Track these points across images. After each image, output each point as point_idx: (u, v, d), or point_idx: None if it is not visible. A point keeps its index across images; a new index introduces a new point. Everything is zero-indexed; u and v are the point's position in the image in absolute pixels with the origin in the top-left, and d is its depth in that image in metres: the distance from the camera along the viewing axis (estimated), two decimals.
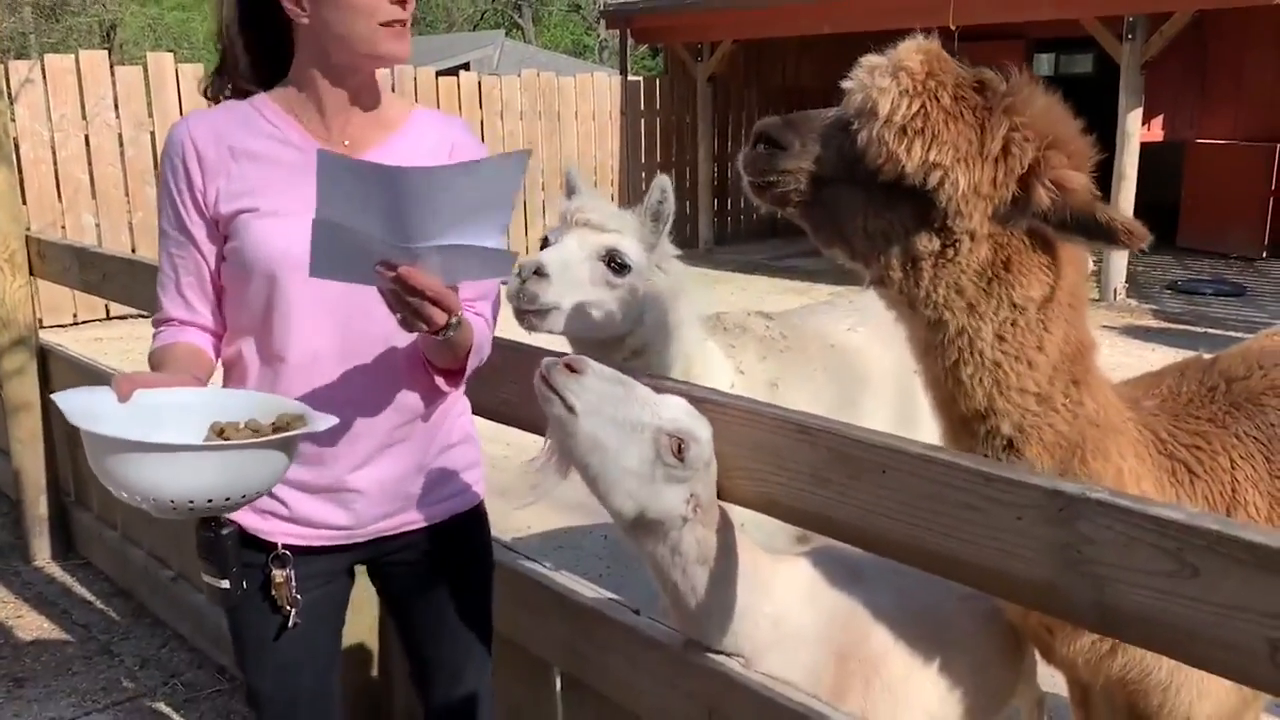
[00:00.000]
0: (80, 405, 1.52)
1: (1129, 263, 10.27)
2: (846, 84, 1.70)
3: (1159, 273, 11.34)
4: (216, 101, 1.90)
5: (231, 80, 1.89)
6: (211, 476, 1.47)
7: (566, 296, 2.35)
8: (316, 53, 1.78)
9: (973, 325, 1.67)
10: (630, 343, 2.48)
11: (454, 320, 1.65)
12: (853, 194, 1.68)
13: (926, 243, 1.65)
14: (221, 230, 1.80)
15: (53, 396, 1.55)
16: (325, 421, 1.59)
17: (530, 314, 2.35)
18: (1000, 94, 1.64)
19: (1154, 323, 9.32)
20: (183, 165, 1.79)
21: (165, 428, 1.53)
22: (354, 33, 1.72)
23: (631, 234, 2.46)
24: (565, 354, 1.68)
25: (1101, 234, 1.58)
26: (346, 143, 1.83)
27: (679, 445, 1.66)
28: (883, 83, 1.62)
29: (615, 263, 2.41)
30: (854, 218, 1.69)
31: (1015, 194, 1.61)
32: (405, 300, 1.59)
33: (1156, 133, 12.80)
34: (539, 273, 2.33)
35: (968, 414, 1.72)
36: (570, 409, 1.64)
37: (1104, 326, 9.02)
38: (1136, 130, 9.82)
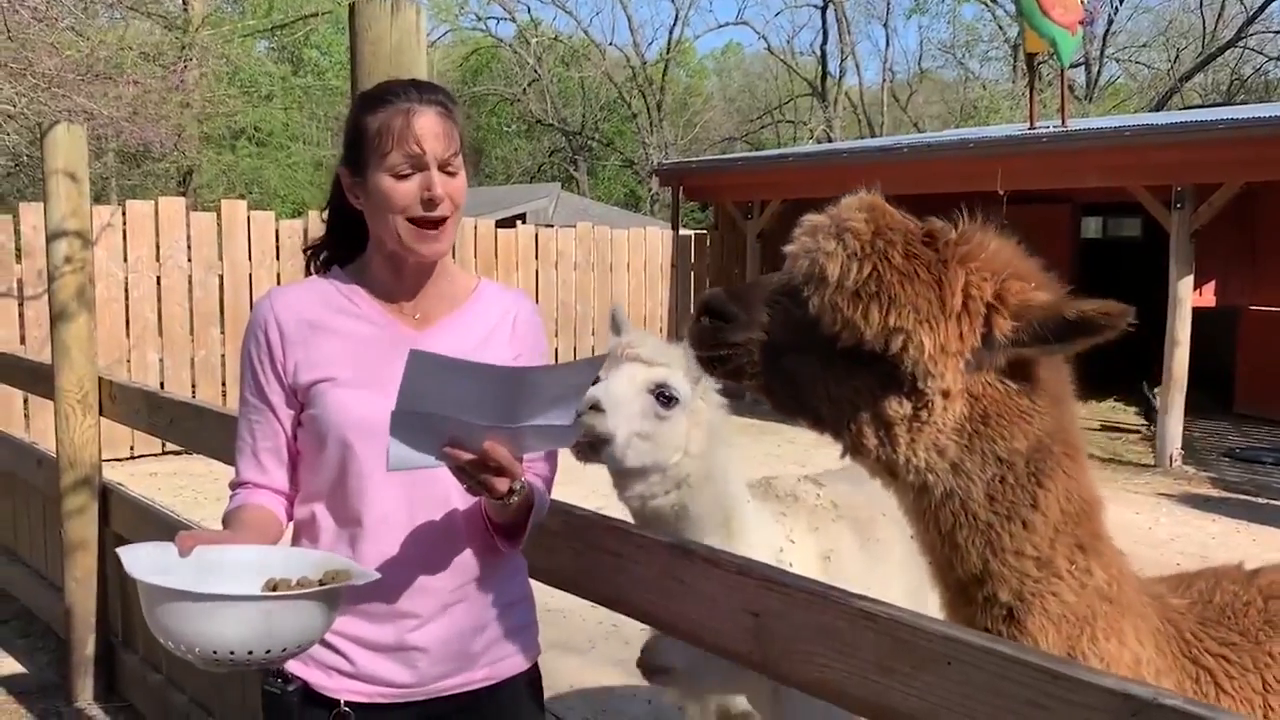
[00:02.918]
0: (141, 558, 1.58)
1: (1185, 429, 10.13)
2: (789, 248, 1.63)
3: (1216, 439, 11.15)
4: (306, 254, 2.04)
5: (327, 249, 2.03)
6: (250, 628, 1.50)
7: (620, 429, 2.44)
8: (375, 238, 1.90)
9: (961, 486, 1.57)
10: (672, 474, 2.55)
11: (517, 485, 1.70)
12: (810, 362, 1.59)
13: (897, 407, 1.55)
14: (299, 399, 1.88)
15: (117, 550, 1.60)
16: (365, 576, 1.63)
17: (585, 445, 2.41)
18: (952, 244, 1.56)
19: (1213, 491, 9.10)
20: (264, 337, 1.89)
21: (221, 582, 1.57)
22: (387, 228, 1.83)
23: (678, 367, 2.54)
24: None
25: (1079, 331, 1.49)
26: (417, 316, 1.93)
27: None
28: (828, 246, 1.56)
29: (664, 396, 2.50)
30: (815, 387, 1.59)
31: (981, 336, 1.53)
32: (472, 474, 1.65)
33: (1208, 298, 12.80)
34: (594, 407, 2.41)
35: (964, 579, 1.62)
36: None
37: (1161, 494, 8.85)
38: (1188, 297, 9.85)
